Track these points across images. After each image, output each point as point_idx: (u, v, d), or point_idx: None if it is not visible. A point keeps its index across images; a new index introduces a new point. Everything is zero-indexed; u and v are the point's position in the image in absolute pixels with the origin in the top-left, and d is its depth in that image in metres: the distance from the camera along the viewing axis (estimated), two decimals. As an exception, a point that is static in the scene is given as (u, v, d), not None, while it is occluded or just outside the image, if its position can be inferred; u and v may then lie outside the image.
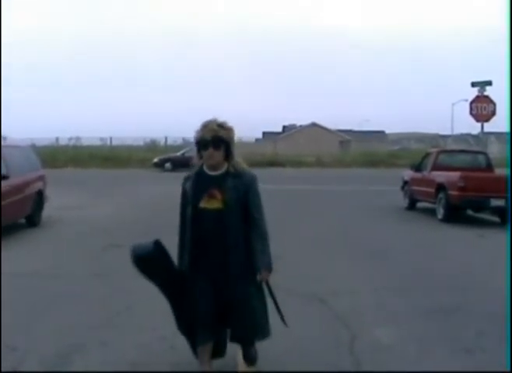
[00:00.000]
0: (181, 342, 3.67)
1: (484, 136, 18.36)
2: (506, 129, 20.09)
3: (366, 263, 7.32)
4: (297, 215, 12.38)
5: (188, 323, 3.42)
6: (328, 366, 3.80)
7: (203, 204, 3.30)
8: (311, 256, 7.67)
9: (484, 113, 16.63)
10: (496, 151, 41.17)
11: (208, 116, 3.38)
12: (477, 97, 16.70)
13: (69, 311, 5.02)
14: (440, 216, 11.77)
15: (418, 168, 13.79)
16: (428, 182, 12.71)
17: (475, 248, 8.88)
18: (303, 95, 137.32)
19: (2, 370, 3.63)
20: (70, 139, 44.84)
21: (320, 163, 37.27)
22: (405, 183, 14.38)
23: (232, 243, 3.28)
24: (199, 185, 3.33)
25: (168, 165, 31.01)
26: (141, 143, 44.87)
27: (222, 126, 3.30)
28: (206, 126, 3.29)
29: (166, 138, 44.32)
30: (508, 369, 3.71)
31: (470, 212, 12.27)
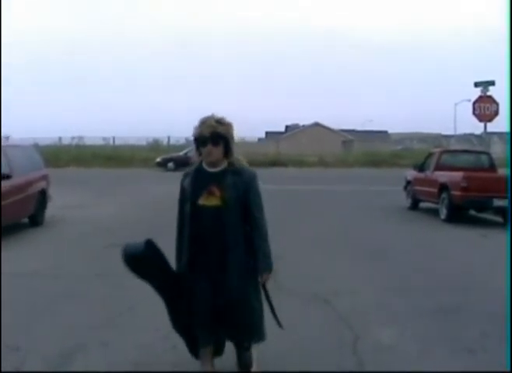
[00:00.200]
0: (183, 342, 3.67)
1: (487, 136, 18.29)
2: (507, 129, 20.04)
3: (368, 263, 7.32)
4: (299, 215, 12.38)
5: (184, 322, 3.38)
6: (331, 366, 3.80)
7: (202, 201, 3.24)
8: (313, 256, 7.67)
9: (487, 113, 16.63)
10: (499, 151, 41.02)
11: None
12: (480, 97, 16.70)
13: (71, 312, 5.03)
14: (442, 216, 11.76)
15: (421, 168, 13.78)
16: (431, 182, 12.69)
17: (478, 248, 8.87)
18: (306, 95, 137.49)
19: (2, 370, 3.64)
20: (73, 138, 45.08)
21: (322, 163, 37.24)
22: (408, 183, 14.37)
23: (231, 241, 3.22)
24: (198, 182, 3.27)
25: (171, 164, 31.07)
26: (143, 143, 44.98)
27: (220, 122, 3.22)
28: (204, 122, 3.22)
29: (168, 138, 44.44)
30: (508, 369, 3.71)
31: (473, 212, 12.25)
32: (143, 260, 3.25)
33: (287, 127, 69.95)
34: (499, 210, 11.44)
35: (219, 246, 3.23)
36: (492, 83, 16.70)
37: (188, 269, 3.29)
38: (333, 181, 23.02)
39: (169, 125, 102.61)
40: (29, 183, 10.16)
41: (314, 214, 12.56)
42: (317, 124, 61.19)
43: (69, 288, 5.84)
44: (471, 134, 60.07)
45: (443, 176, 12.18)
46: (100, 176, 25.46)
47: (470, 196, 11.13)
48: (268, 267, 3.32)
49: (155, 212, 12.49)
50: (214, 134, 3.19)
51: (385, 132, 71.56)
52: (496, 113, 16.65)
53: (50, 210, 11.07)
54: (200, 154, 3.29)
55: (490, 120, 16.73)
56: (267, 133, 69.24)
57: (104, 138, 44.65)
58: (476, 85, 16.87)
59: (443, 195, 11.79)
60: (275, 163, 35.41)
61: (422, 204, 13.63)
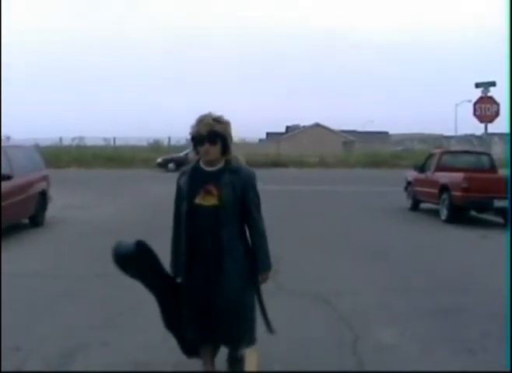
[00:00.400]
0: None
1: (488, 137, 18.27)
2: (507, 130, 20.02)
3: (369, 264, 7.32)
4: (299, 215, 12.38)
5: (176, 322, 3.33)
6: (331, 366, 3.80)
7: (198, 200, 3.17)
8: (313, 257, 7.67)
9: (488, 113, 16.62)
10: (499, 151, 40.93)
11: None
12: (481, 98, 16.69)
13: (71, 312, 5.03)
14: (443, 217, 11.76)
15: (421, 169, 13.77)
16: (431, 183, 12.69)
17: (478, 248, 8.87)
18: (307, 95, 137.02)
19: (2, 370, 3.64)
20: (73, 139, 44.94)
21: (323, 164, 37.24)
22: (409, 183, 14.36)
23: (228, 241, 3.17)
24: (195, 180, 3.21)
25: (171, 165, 31.05)
26: (144, 143, 44.92)
27: (217, 120, 3.16)
28: (201, 120, 3.16)
29: (169, 139, 44.36)
30: (508, 369, 3.71)
31: (473, 213, 12.24)
32: (133, 260, 3.21)
33: (288, 127, 69.91)
34: (500, 211, 11.43)
35: (215, 246, 3.17)
36: (493, 84, 16.69)
37: (185, 269, 3.24)
38: (334, 182, 23.02)
39: (169, 125, 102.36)
40: (30, 184, 10.17)
41: (315, 215, 12.56)
42: (317, 125, 61.23)
43: (69, 288, 5.85)
44: (472, 135, 59.97)
45: (443, 177, 12.18)
46: (101, 176, 25.48)
47: (470, 197, 11.13)
48: (268, 267, 3.30)
49: (155, 213, 12.47)
50: (211, 133, 3.13)
51: (386, 133, 71.54)
52: (497, 114, 16.64)
53: (51, 211, 11.08)
54: (197, 152, 3.24)
55: (491, 120, 16.72)
56: (268, 134, 69.27)
57: (105, 139, 44.63)
58: (477, 85, 16.86)
59: (444, 196, 11.79)
60: (275, 164, 35.42)
61: (423, 205, 13.63)
